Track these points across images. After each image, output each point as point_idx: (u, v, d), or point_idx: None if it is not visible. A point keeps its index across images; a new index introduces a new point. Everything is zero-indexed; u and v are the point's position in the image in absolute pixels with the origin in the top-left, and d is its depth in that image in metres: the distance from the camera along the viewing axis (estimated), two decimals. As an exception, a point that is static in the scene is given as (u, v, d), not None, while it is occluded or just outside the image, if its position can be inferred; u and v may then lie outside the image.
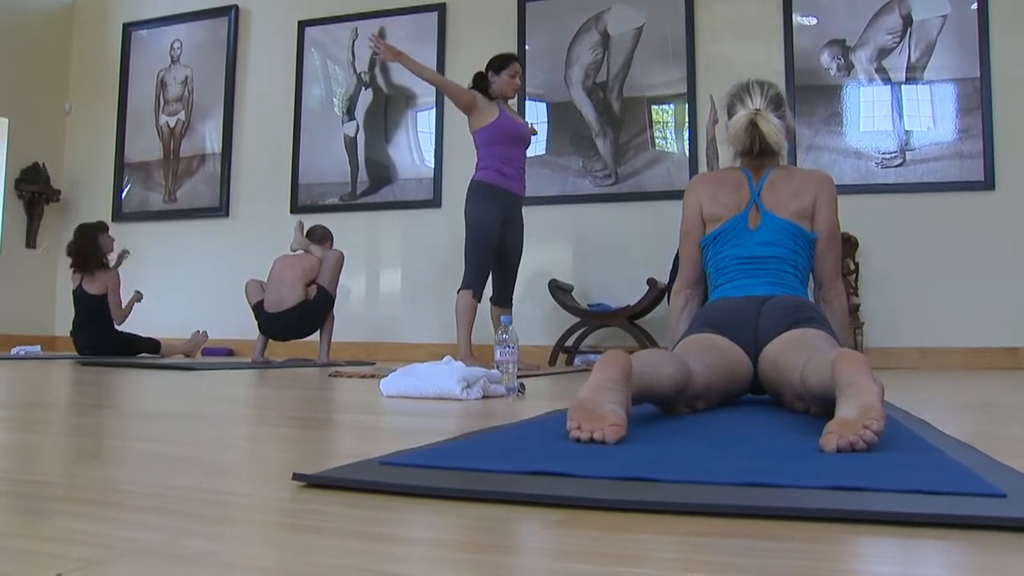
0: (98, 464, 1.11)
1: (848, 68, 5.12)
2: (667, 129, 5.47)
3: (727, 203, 2.16)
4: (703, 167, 5.12)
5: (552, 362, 5.08)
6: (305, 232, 4.95)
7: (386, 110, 6.17)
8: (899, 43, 5.04)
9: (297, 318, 4.71)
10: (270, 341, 4.90)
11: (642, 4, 5.55)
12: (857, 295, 4.87)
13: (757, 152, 2.12)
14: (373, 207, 6.10)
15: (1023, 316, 4.70)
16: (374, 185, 6.12)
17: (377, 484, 0.90)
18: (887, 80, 5.05)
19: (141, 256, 6.03)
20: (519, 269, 4.48)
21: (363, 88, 6.24)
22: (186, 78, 6.79)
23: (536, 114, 5.70)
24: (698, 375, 1.67)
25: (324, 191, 6.25)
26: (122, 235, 6.37)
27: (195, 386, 2.72)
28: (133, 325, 5.63)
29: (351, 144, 6.21)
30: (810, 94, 5.15)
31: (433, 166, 5.96)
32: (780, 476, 0.92)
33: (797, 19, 5.23)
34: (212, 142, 6.63)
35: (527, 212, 4.52)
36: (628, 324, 4.94)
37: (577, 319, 5.12)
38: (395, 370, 2.37)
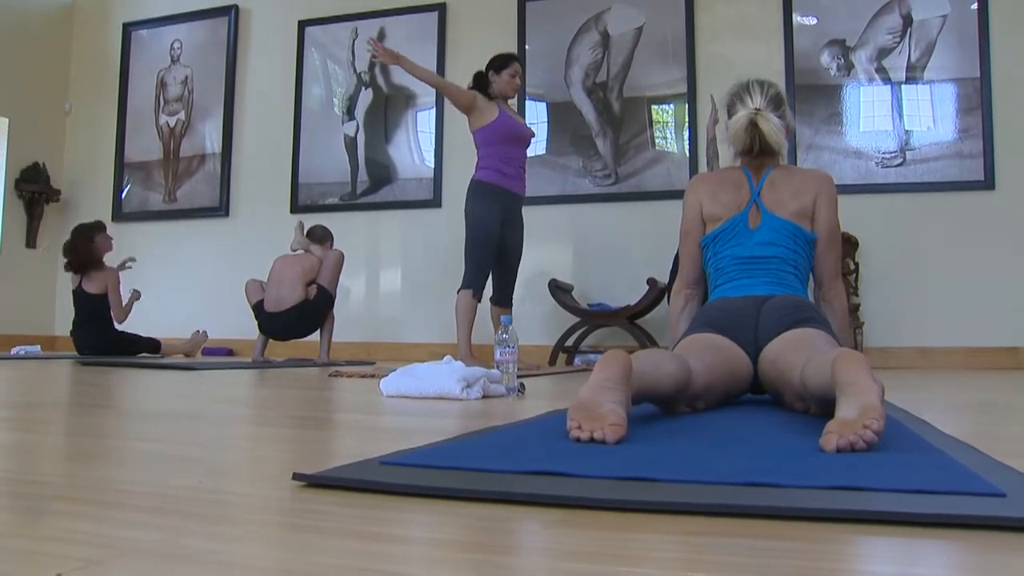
0: (98, 464, 1.11)
1: (848, 68, 5.12)
2: (667, 129, 5.47)
3: (727, 203, 2.16)
4: (703, 167, 5.11)
5: (552, 362, 5.08)
6: (305, 232, 4.96)
7: (386, 110, 6.17)
8: (899, 43, 5.04)
9: (297, 318, 4.71)
10: (270, 341, 4.90)
11: (642, 4, 5.55)
12: (857, 295, 4.87)
13: (757, 152, 2.13)
14: (373, 207, 6.10)
15: (1023, 316, 4.70)
16: (374, 185, 6.12)
17: (377, 484, 0.90)
18: (887, 80, 5.05)
19: (141, 256, 6.03)
20: (519, 269, 4.48)
21: (363, 88, 6.24)
22: (186, 78, 6.79)
23: (536, 114, 5.70)
24: (698, 375, 1.67)
25: (324, 191, 6.25)
26: (122, 235, 6.38)
27: (195, 386, 2.72)
28: (133, 325, 5.63)
29: (351, 144, 6.21)
30: (810, 94, 5.15)
31: (433, 166, 5.96)
32: (780, 476, 0.92)
33: (797, 19, 5.23)
34: (212, 142, 6.63)
35: (527, 212, 4.52)
36: (628, 324, 4.94)
37: (577, 319, 5.12)
38: (395, 370, 2.37)
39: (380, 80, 6.20)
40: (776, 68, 5.15)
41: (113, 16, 7.11)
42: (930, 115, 4.96)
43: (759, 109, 2.08)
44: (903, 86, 5.02)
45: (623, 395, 1.31)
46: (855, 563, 0.67)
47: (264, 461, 1.19)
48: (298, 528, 0.76)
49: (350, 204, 6.16)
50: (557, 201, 5.57)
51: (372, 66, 6.21)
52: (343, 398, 2.36)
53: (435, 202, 5.92)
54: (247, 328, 5.19)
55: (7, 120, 6.65)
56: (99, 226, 5.62)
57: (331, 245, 5.01)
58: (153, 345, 5.61)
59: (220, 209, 6.52)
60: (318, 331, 4.83)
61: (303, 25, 6.43)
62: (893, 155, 4.99)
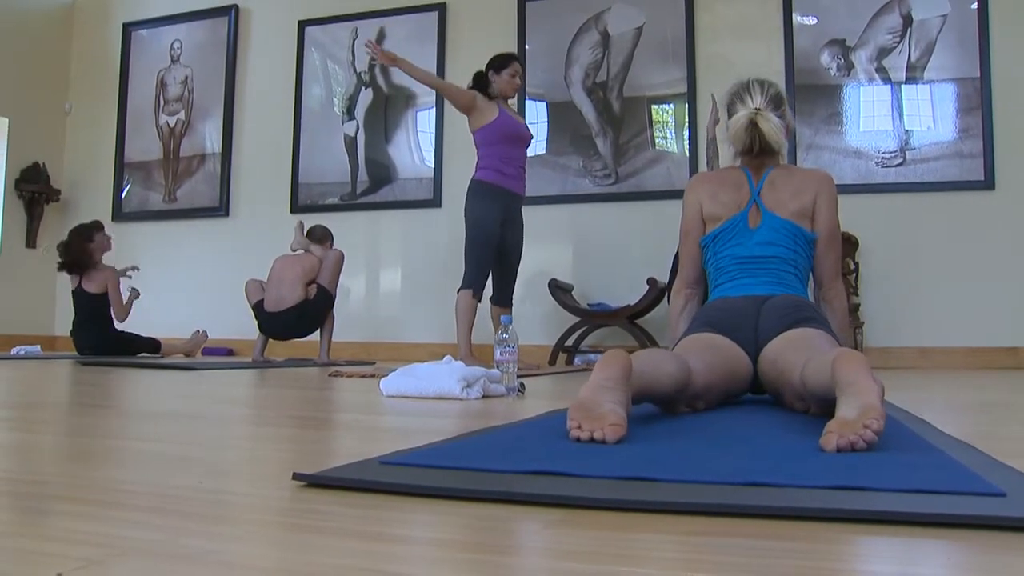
0: (98, 464, 1.11)
1: (848, 68, 5.12)
2: (667, 129, 5.47)
3: (727, 202, 2.16)
4: (703, 167, 5.11)
5: (552, 362, 5.08)
6: (305, 232, 4.96)
7: (386, 110, 6.17)
8: (899, 43, 5.04)
9: (297, 318, 4.72)
10: (270, 341, 4.90)
11: (642, 4, 5.54)
12: (857, 295, 4.87)
13: (757, 151, 2.12)
14: (373, 207, 6.10)
15: (1023, 316, 4.70)
16: (374, 185, 6.12)
17: (377, 484, 0.90)
18: (887, 80, 5.05)
19: (141, 256, 6.03)
20: (519, 269, 4.48)
21: (363, 88, 6.24)
22: (186, 78, 6.79)
23: (536, 114, 5.70)
24: (698, 374, 1.67)
25: (324, 191, 6.25)
26: (122, 235, 6.38)
27: (195, 386, 2.72)
28: (133, 325, 5.63)
29: (351, 144, 6.21)
30: (810, 94, 5.15)
31: (433, 166, 5.97)
32: (780, 476, 0.92)
33: (797, 19, 5.23)
34: (212, 142, 6.63)
35: (527, 212, 4.52)
36: (628, 324, 4.94)
37: (577, 319, 5.12)
38: (395, 370, 2.37)
39: (380, 80, 6.20)
40: (776, 68, 5.15)
41: (113, 16, 7.11)
42: (930, 115, 4.96)
43: (759, 109, 2.08)
44: (903, 86, 5.02)
45: (623, 395, 1.31)
46: (855, 563, 0.67)
47: (264, 461, 1.19)
48: (298, 528, 0.76)
49: (350, 204, 6.16)
50: (557, 201, 5.57)
51: (372, 66, 6.21)
52: (343, 398, 2.36)
53: (435, 202, 5.92)
54: (247, 328, 5.19)
55: (7, 120, 6.65)
56: (97, 226, 5.61)
57: (331, 245, 5.01)
58: (153, 345, 5.61)
59: (220, 209, 6.52)
60: (318, 331, 4.83)
61: (303, 25, 6.43)
62: (893, 155, 4.99)
